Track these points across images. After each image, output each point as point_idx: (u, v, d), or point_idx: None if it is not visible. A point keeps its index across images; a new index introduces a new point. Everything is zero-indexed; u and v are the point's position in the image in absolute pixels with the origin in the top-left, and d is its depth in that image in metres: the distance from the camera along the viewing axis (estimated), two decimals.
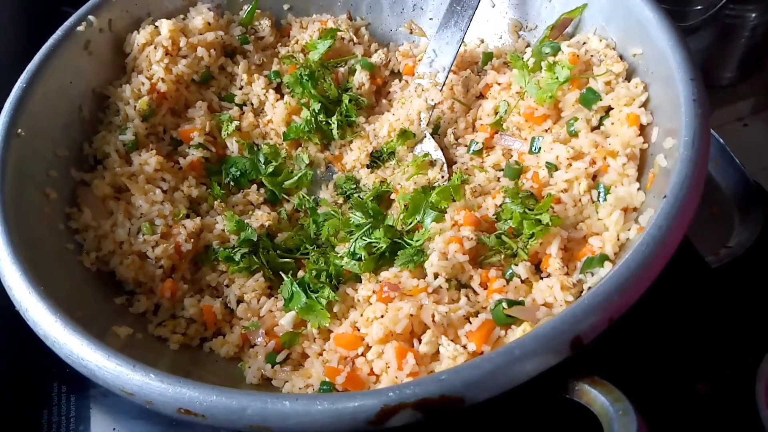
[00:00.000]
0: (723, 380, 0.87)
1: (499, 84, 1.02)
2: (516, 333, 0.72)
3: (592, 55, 0.92)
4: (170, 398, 0.64)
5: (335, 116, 1.05)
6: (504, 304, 0.74)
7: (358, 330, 0.80)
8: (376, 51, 1.13)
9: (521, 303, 0.75)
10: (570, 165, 0.85)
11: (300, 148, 1.06)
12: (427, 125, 1.01)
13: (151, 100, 1.01)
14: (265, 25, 1.13)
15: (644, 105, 0.85)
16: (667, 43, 0.82)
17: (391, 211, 0.96)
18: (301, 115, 1.06)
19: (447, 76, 1.01)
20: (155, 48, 1.02)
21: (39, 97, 0.91)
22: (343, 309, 0.84)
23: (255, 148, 1.05)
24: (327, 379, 0.76)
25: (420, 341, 0.76)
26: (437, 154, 0.99)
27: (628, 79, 0.88)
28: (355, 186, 1.02)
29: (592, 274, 0.75)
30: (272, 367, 0.81)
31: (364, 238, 0.87)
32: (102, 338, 0.71)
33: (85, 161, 0.97)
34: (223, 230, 0.93)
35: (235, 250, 0.90)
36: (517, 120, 0.96)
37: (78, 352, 0.69)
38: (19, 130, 0.87)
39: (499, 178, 0.92)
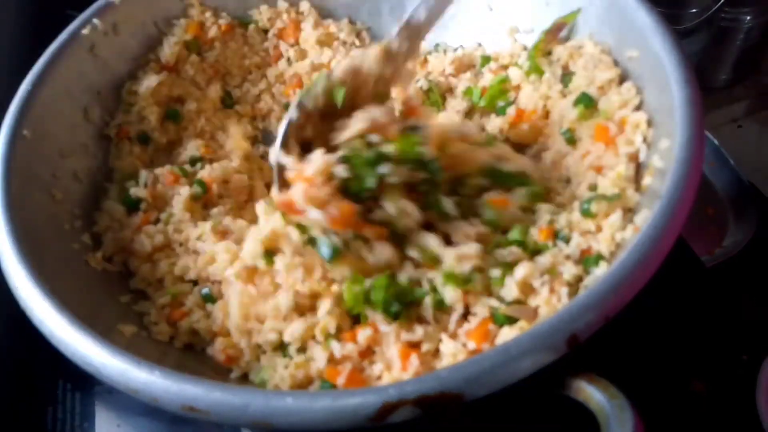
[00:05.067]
0: (718, 378, 0.88)
1: None
2: (513, 331, 0.73)
3: (587, 60, 0.93)
4: (175, 395, 0.65)
5: None
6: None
7: None
8: None
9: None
10: None
11: None
12: None
13: None
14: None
15: (639, 107, 0.86)
16: (661, 46, 0.82)
17: None
18: None
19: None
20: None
21: (44, 99, 0.92)
22: None
23: None
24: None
25: None
26: None
27: (622, 82, 0.89)
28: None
29: (588, 274, 0.76)
30: None
31: None
32: (107, 336, 0.71)
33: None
34: None
35: None
36: None
37: (83, 351, 0.70)
38: (25, 132, 0.88)
39: None
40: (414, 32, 0.89)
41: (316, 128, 0.87)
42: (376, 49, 0.88)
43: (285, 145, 0.85)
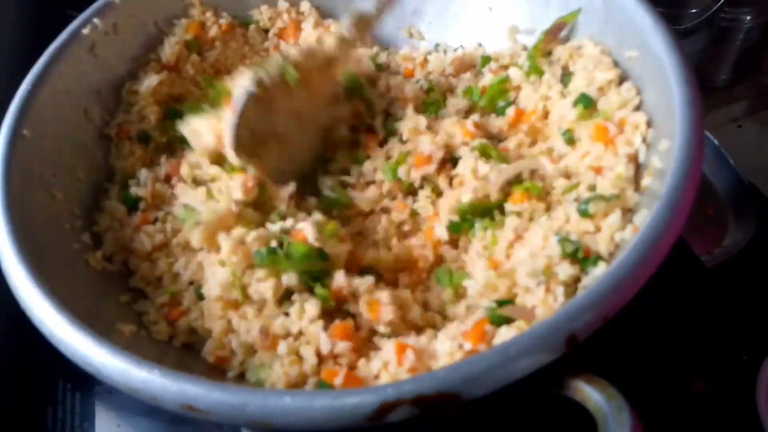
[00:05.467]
0: (718, 378, 0.88)
1: None
2: (511, 331, 0.73)
3: (587, 61, 0.93)
4: (174, 395, 0.65)
5: None
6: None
7: None
8: (377, 54, 1.15)
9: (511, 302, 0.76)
10: None
11: None
12: None
13: None
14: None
15: (639, 107, 0.86)
16: (662, 46, 0.82)
17: None
18: None
19: None
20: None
21: (44, 98, 0.92)
22: None
23: None
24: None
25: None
26: None
27: (622, 82, 0.89)
28: None
29: (587, 274, 0.76)
30: None
31: None
32: (107, 336, 0.71)
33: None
34: None
35: None
36: None
37: (83, 351, 0.70)
38: (25, 131, 0.88)
39: None
40: (365, 23, 0.99)
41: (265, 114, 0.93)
42: (332, 37, 0.96)
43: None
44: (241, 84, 0.91)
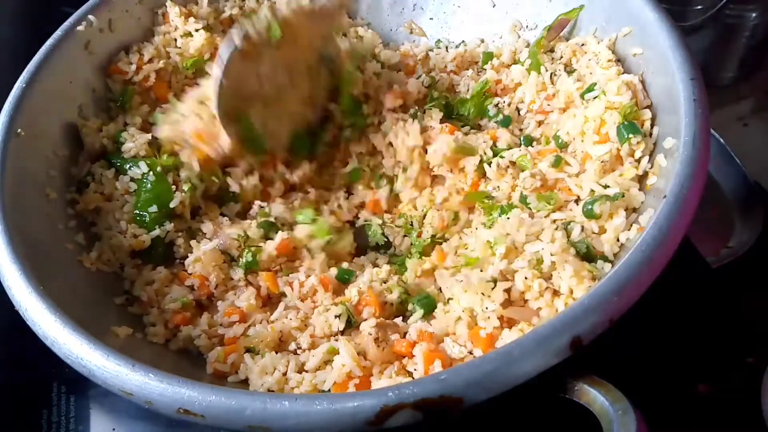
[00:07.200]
0: (723, 381, 0.87)
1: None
2: (513, 333, 0.72)
3: (590, 59, 0.93)
4: (169, 398, 0.64)
5: None
6: None
7: None
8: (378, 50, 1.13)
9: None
10: None
11: None
12: None
13: None
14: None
15: (643, 105, 0.84)
16: (667, 43, 0.82)
17: None
18: None
19: None
20: None
21: (39, 96, 0.91)
22: None
23: None
24: None
25: None
26: None
27: (626, 79, 0.88)
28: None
29: None
30: None
31: None
32: (101, 338, 0.71)
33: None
34: None
35: None
36: None
37: (77, 352, 0.69)
38: (19, 130, 0.87)
39: None
40: None
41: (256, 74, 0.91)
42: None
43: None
44: (227, 38, 0.87)
